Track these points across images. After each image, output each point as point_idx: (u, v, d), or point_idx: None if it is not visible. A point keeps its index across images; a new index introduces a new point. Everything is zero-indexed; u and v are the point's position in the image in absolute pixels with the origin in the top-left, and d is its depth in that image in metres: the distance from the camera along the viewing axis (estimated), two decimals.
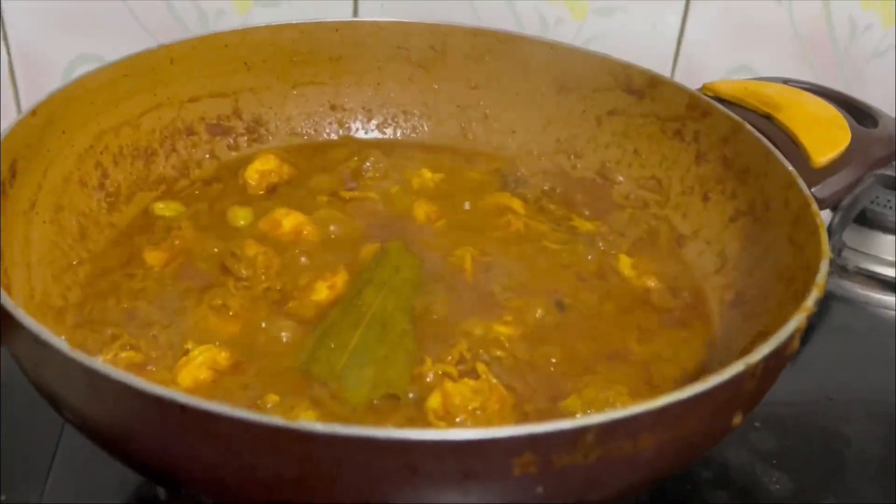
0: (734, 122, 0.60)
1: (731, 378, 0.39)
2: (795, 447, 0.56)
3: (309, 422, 0.35)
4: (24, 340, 0.40)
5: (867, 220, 0.76)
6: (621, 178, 0.68)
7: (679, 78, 0.89)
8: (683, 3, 0.86)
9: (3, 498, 0.53)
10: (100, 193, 0.61)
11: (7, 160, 0.52)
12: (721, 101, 0.64)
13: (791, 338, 0.42)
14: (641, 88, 0.66)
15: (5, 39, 0.79)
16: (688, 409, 0.38)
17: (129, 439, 0.39)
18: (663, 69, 0.89)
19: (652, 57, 0.88)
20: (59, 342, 0.38)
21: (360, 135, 0.73)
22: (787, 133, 0.60)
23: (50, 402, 0.42)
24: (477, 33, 0.71)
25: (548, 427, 0.36)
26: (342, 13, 0.82)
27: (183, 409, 0.36)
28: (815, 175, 0.58)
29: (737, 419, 0.42)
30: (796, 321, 0.43)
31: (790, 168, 0.55)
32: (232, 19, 0.81)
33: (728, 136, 0.61)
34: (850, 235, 0.75)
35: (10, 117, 0.81)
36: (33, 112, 0.55)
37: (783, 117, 0.61)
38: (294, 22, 0.69)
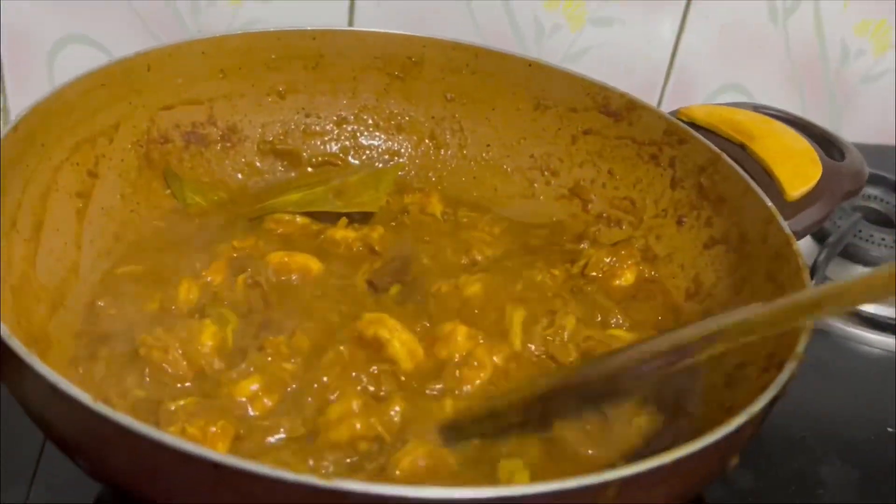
0: (712, 153, 0.62)
1: (736, 428, 0.41)
2: (770, 488, 0.58)
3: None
4: (33, 385, 0.40)
5: (848, 254, 0.77)
6: (594, 197, 0.69)
7: (670, 91, 0.91)
8: (681, 16, 0.87)
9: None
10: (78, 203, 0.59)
11: None
12: (696, 127, 0.66)
13: (785, 385, 0.45)
14: (619, 111, 0.67)
15: None
16: (698, 460, 0.40)
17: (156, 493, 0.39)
18: (656, 81, 0.91)
19: (646, 68, 0.90)
20: (81, 394, 0.38)
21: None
22: (760, 164, 0.63)
23: (61, 448, 0.42)
24: (455, 47, 0.70)
25: (573, 484, 0.37)
26: (338, 9, 0.81)
27: (216, 466, 0.36)
28: (788, 208, 0.60)
29: (734, 461, 0.45)
30: (789, 370, 0.45)
31: (769, 204, 0.57)
32: (223, 8, 0.80)
33: (705, 166, 0.63)
34: (831, 268, 0.75)
35: None
36: (14, 128, 0.53)
37: (757, 147, 0.63)
38: (271, 30, 0.68)
